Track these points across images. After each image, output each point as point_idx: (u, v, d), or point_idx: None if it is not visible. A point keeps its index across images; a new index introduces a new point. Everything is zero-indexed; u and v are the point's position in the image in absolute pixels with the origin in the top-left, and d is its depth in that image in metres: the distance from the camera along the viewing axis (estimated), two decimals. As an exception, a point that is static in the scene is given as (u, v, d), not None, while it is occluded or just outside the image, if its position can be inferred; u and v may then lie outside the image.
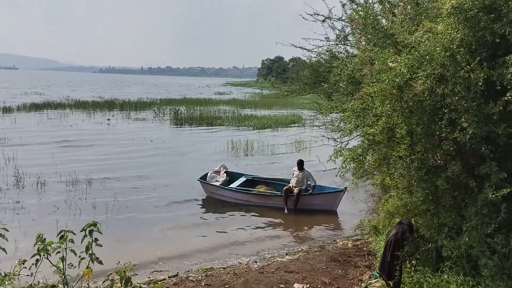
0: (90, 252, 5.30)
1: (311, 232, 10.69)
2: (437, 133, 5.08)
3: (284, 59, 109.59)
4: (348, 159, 6.49)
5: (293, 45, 13.03)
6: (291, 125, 31.61)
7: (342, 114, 8.96)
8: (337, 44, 12.01)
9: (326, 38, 12.20)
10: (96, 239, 5.33)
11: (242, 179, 13.61)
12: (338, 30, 11.94)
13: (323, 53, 12.74)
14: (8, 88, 69.82)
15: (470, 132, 4.71)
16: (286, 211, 11.83)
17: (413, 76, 4.91)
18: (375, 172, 8.31)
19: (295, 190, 11.83)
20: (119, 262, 5.56)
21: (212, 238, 9.92)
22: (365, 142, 6.46)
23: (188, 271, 7.82)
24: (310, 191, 11.92)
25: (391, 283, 5.92)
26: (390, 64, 5.15)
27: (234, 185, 13.16)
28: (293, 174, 12.23)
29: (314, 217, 11.51)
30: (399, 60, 5.09)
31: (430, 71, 4.75)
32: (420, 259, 5.83)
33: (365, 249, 8.73)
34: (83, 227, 5.30)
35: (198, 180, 13.33)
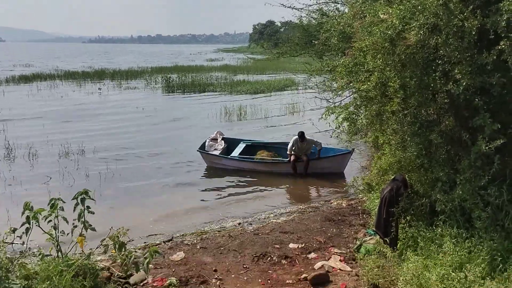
0: (82, 220, 5.29)
1: (308, 193, 10.71)
2: (431, 85, 4.98)
3: (276, 23, 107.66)
4: (341, 118, 6.41)
5: (282, 4, 12.76)
6: (285, 90, 31.28)
7: (333, 73, 8.82)
8: (327, 2, 11.76)
9: (317, -5, 11.96)
10: (88, 207, 5.32)
11: (242, 146, 13.06)
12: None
13: (313, 12, 12.48)
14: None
15: (463, 84, 4.61)
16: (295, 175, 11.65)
17: (406, 27, 4.76)
18: (367, 130, 8.24)
19: (304, 157, 11.59)
20: (111, 227, 5.53)
21: (207, 203, 9.92)
22: (357, 100, 6.35)
23: (183, 235, 7.82)
24: (317, 156, 11.72)
25: (388, 240, 5.94)
26: (382, 16, 4.98)
27: (235, 152, 12.68)
28: (296, 146, 11.56)
29: (316, 180, 11.42)
30: (390, 12, 4.92)
31: (423, 21, 4.60)
32: (415, 214, 5.83)
33: (359, 208, 8.76)
34: (75, 195, 5.27)
35: (197, 150, 12.83)
